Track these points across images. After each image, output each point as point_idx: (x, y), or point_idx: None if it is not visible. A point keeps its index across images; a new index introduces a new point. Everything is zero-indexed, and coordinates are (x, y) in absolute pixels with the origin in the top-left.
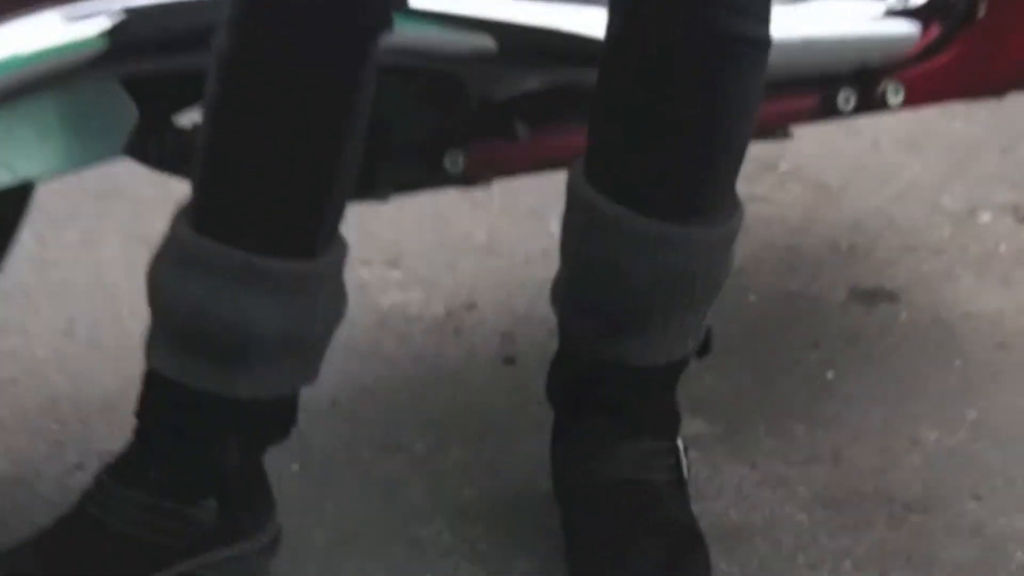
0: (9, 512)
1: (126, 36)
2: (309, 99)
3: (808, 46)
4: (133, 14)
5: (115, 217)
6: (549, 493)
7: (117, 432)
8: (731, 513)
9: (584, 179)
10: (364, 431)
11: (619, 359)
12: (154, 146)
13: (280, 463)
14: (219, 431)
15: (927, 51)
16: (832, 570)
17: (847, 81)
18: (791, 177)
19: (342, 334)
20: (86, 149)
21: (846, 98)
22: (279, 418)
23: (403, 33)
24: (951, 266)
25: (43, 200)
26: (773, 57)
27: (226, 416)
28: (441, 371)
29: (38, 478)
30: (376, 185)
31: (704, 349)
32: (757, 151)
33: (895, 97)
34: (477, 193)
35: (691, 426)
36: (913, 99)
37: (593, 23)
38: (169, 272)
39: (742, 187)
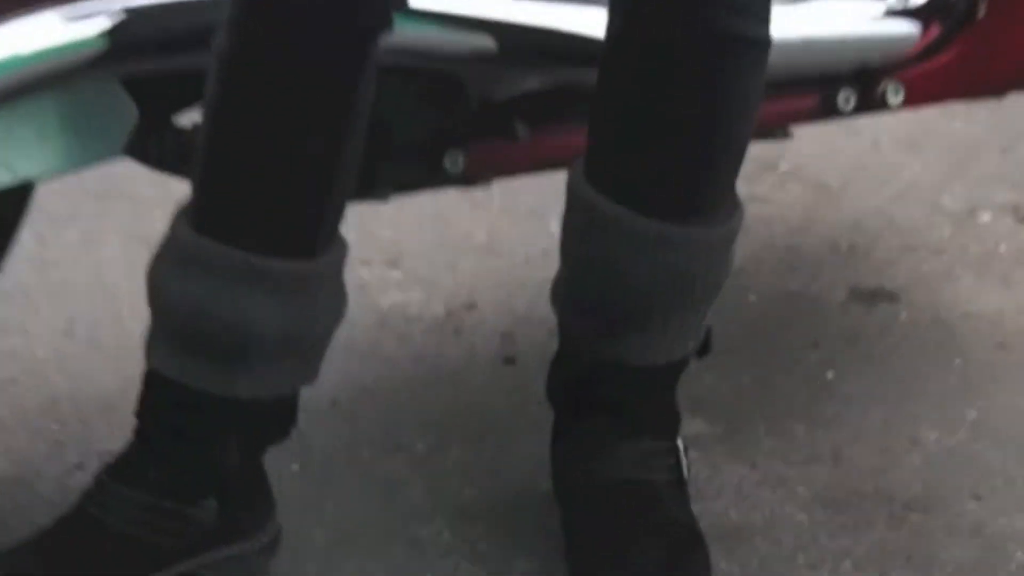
0: (9, 512)
1: (126, 36)
2: (309, 99)
3: (808, 46)
4: (133, 14)
5: (115, 217)
6: (549, 493)
7: (117, 432)
8: (731, 513)
9: (584, 179)
10: (364, 431)
11: (619, 359)
12: (154, 146)
13: (280, 463)
14: (219, 431)
15: (927, 51)
16: (832, 570)
17: (847, 81)
18: (791, 177)
19: (342, 334)
20: (86, 149)
21: (846, 98)
22: (279, 418)
23: (403, 33)
24: (951, 266)
25: (43, 200)
26: (773, 57)
27: (226, 416)
28: (441, 371)
29: (38, 478)
30: (376, 185)
31: (704, 349)
32: (757, 151)
33: (895, 97)
34: (477, 193)
35: (691, 426)
36: (913, 99)
37: (593, 23)
38: (169, 272)
39: (742, 187)
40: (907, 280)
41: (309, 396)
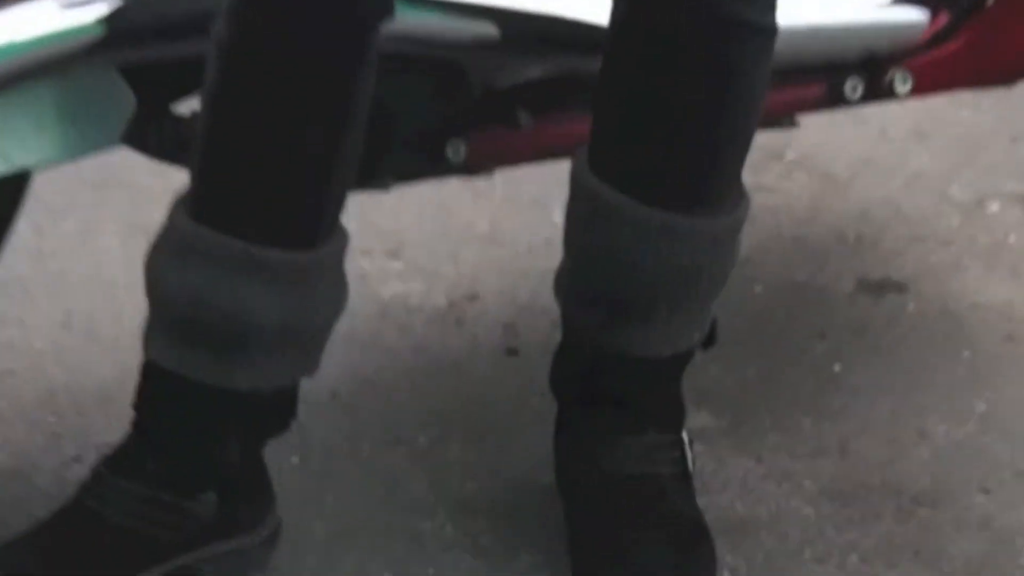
0: (6, 505)
1: (124, 23)
2: (309, 87)
3: (815, 34)
4: (131, 1)
5: (113, 207)
6: (552, 486)
7: (115, 424)
8: (737, 506)
9: (588, 168)
10: (365, 423)
11: (623, 350)
12: (152, 135)
13: (280, 456)
14: (218, 423)
15: (936, 39)
16: (839, 564)
17: (854, 69)
18: (798, 167)
19: (342, 325)
20: (83, 138)
21: (853, 87)
22: (279, 410)
23: (404, 20)
24: (959, 257)
25: (40, 190)
26: (779, 45)
27: (225, 408)
28: (443, 363)
29: (35, 470)
30: (377, 174)
31: (709, 340)
32: (763, 140)
33: (903, 86)
34: (479, 182)
35: (696, 418)
36: (921, 88)
37: (597, 10)
38: (167, 262)
39: (748, 177)
40: (915, 271)
41: (309, 388)
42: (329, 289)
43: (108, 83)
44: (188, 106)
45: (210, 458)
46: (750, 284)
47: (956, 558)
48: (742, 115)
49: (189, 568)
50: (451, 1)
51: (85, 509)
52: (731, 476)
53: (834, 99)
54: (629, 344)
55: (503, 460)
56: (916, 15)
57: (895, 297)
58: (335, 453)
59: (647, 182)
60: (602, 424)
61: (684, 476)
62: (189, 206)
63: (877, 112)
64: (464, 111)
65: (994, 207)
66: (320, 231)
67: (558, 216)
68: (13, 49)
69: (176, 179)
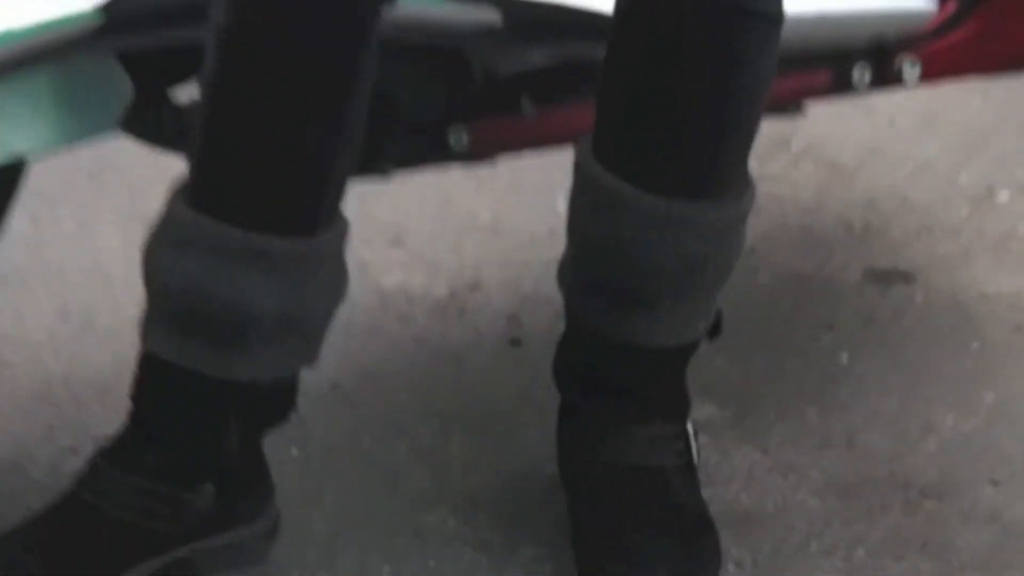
0: (1, 497)
1: (121, 10)
2: (309, 74)
3: (822, 20)
4: None
5: (110, 196)
6: (555, 479)
7: (112, 416)
8: (742, 499)
9: (591, 156)
10: (365, 415)
11: (627, 341)
12: (150, 122)
13: (279, 448)
14: (217, 414)
15: (944, 26)
16: (845, 557)
17: (862, 57)
18: (804, 156)
19: (343, 315)
20: (80, 125)
21: (861, 74)
22: (278, 401)
23: (406, 6)
24: (968, 247)
25: (36, 180)
26: (786, 31)
27: (224, 399)
28: (445, 353)
29: (31, 462)
30: (378, 162)
31: (715, 331)
32: (769, 129)
33: (911, 73)
34: (482, 171)
35: (701, 410)
36: (930, 75)
37: None
38: (165, 251)
39: (754, 166)
40: (923, 261)
41: (309, 379)
42: (329, 278)
43: (106, 70)
44: (187, 93)
45: (209, 449)
46: (756, 274)
47: (964, 551)
48: (747, 103)
49: (187, 561)
50: None
51: (81, 501)
52: (736, 468)
53: (841, 86)
54: (633, 334)
55: (505, 452)
56: (925, 2)
57: (903, 288)
58: (335, 445)
59: (652, 170)
60: (606, 415)
61: (689, 468)
62: (187, 194)
63: (885, 100)
64: (467, 98)
65: (1003, 196)
66: (320, 219)
67: (561, 205)
68: (10, 36)
69: (174, 167)
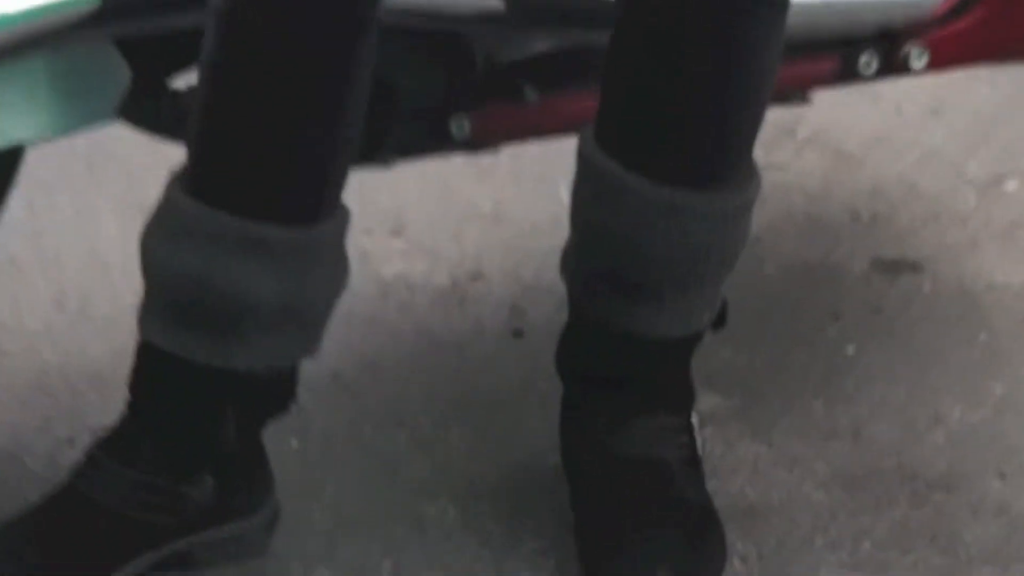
0: None
1: None
2: (310, 60)
3: (829, 7)
4: None
5: (107, 184)
6: (558, 471)
7: (110, 406)
8: (747, 491)
9: (595, 144)
10: (366, 406)
11: (631, 331)
12: (148, 109)
13: (279, 439)
14: (216, 405)
15: (952, 13)
16: (852, 551)
17: (869, 43)
18: (810, 144)
19: (343, 305)
20: (77, 112)
21: (867, 61)
22: (278, 392)
23: None
24: (976, 236)
25: (33, 167)
26: (792, 18)
27: (223, 390)
28: (446, 344)
29: (27, 453)
30: (379, 150)
31: (719, 322)
32: (775, 117)
33: (918, 60)
34: (484, 159)
35: (706, 401)
36: (937, 62)
37: None
38: (163, 240)
39: (759, 154)
40: (930, 250)
41: (309, 370)
42: (329, 268)
43: (103, 56)
44: (185, 80)
45: (207, 440)
46: (761, 264)
47: (972, 544)
48: (752, 90)
49: (185, 554)
50: None
51: (78, 493)
52: (741, 460)
53: (848, 74)
54: (637, 325)
55: (508, 443)
56: None
57: (910, 277)
58: (335, 436)
59: (656, 159)
60: (609, 407)
61: (693, 460)
62: (185, 182)
63: (892, 88)
64: (468, 86)
65: (1011, 185)
66: (320, 208)
67: (564, 193)
68: (6, 21)
69: (172, 155)
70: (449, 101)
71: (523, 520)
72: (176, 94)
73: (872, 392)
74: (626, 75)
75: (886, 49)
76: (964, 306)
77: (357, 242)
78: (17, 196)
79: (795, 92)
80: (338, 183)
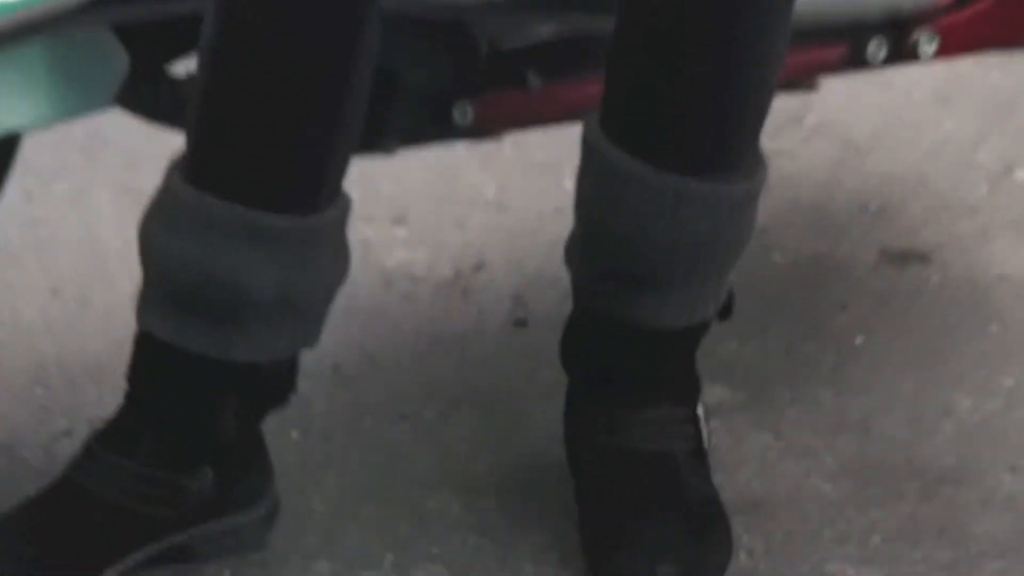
0: None
1: None
2: (311, 47)
3: None
4: None
5: (105, 171)
6: (562, 463)
7: (107, 397)
8: (754, 484)
9: (600, 132)
10: (367, 397)
11: (636, 322)
12: (147, 96)
13: (279, 431)
14: (215, 396)
15: None
16: (860, 544)
17: (877, 30)
18: (818, 132)
19: (344, 295)
20: (75, 99)
21: (876, 48)
22: (278, 383)
23: None
24: (986, 226)
25: (30, 154)
26: (800, 4)
27: (222, 381)
28: (448, 334)
29: (23, 445)
30: (381, 138)
31: (726, 312)
32: (782, 104)
33: (928, 47)
34: (487, 147)
35: (712, 393)
36: (947, 50)
37: None
38: (162, 229)
39: (766, 142)
40: (940, 240)
41: (310, 360)
42: (330, 257)
43: (101, 42)
44: (184, 66)
45: (206, 432)
46: (768, 254)
47: (982, 538)
48: (759, 78)
49: (183, 547)
50: None
51: (75, 486)
52: (748, 453)
53: (856, 61)
54: (642, 315)
55: (511, 436)
56: None
57: (919, 268)
58: (336, 428)
59: (661, 146)
60: (614, 398)
61: (699, 453)
62: (185, 170)
63: (901, 75)
64: (471, 72)
65: (1022, 174)
66: (321, 196)
67: (569, 182)
68: (4, 8)
69: (171, 142)
70: (452, 88)
71: (526, 513)
72: (175, 81)
73: (881, 384)
74: (631, 62)
75: (895, 36)
76: (974, 297)
77: (358, 231)
78: (14, 184)
79: (803, 79)
80: (339, 171)
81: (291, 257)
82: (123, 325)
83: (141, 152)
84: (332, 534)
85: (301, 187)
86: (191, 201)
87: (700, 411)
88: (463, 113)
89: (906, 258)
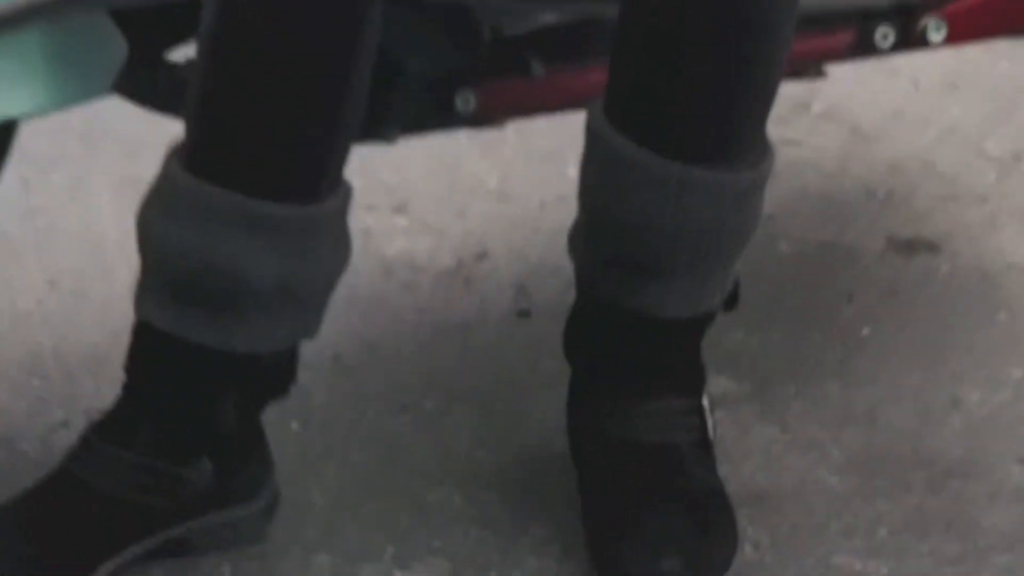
0: None
1: None
2: (313, 33)
3: None
4: None
5: (103, 159)
6: (565, 455)
7: (105, 388)
8: (759, 477)
9: (604, 119)
10: (368, 388)
11: (640, 312)
12: (145, 83)
13: (279, 422)
14: (214, 387)
15: None
16: (866, 537)
17: (886, 16)
18: (825, 119)
19: (345, 285)
20: (73, 86)
21: (884, 35)
22: (278, 374)
23: None
24: (995, 215)
25: (27, 143)
26: None
27: (221, 371)
28: (450, 324)
29: (20, 437)
30: (383, 125)
31: (731, 302)
32: (789, 91)
33: (936, 34)
34: (489, 135)
35: (717, 384)
36: (956, 36)
37: None
38: (161, 217)
39: (773, 129)
40: (948, 229)
41: (310, 351)
42: (331, 246)
43: (99, 29)
44: (183, 53)
45: (205, 423)
46: (774, 243)
47: (990, 532)
48: (766, 65)
49: (181, 540)
50: None
51: (73, 478)
52: (754, 445)
53: (864, 48)
54: (647, 305)
55: (513, 427)
56: None
57: (927, 257)
58: (337, 419)
59: (666, 134)
60: (618, 389)
61: (704, 444)
62: (184, 158)
63: (909, 62)
64: (474, 59)
65: None
66: (322, 185)
67: (572, 170)
68: None
69: (170, 130)
70: (454, 75)
71: (528, 506)
72: (174, 67)
73: (888, 375)
74: (636, 49)
75: (903, 22)
76: (982, 287)
77: (359, 220)
78: (11, 173)
79: (810, 66)
80: (341, 159)
81: (291, 246)
82: (121, 316)
83: (140, 140)
84: (332, 526)
85: (301, 176)
86: (190, 189)
87: (705, 402)
88: (465, 101)
89: (913, 247)
